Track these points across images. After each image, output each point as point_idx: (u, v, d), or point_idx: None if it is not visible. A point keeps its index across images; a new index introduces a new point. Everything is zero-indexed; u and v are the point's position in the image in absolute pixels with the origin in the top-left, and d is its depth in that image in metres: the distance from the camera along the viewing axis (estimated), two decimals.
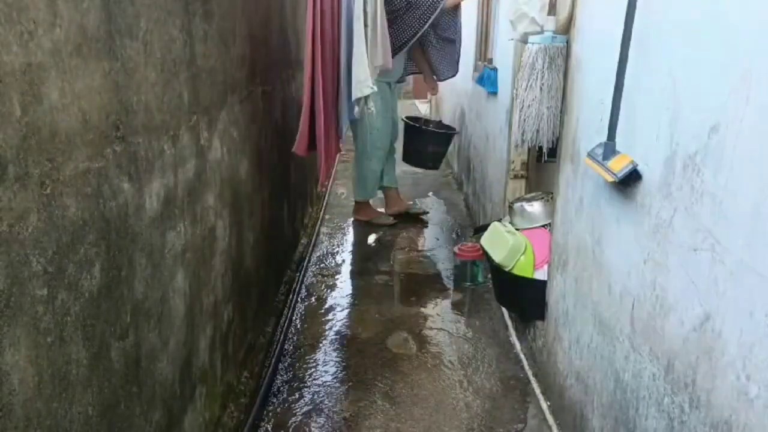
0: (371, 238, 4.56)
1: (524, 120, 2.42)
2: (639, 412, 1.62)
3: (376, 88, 3.11)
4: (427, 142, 5.01)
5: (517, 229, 2.81)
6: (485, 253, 2.93)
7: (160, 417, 1.60)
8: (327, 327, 3.16)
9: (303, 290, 3.55)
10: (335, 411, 2.48)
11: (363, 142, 4.64)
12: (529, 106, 2.38)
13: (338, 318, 3.26)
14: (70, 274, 1.14)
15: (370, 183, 4.74)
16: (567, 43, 2.28)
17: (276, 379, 2.68)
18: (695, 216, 1.35)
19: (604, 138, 1.77)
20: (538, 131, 2.40)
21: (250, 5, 2.59)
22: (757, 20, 1.16)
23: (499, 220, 3.05)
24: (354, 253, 4.21)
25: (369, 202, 4.86)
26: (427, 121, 5.38)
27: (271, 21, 3.10)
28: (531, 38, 2.34)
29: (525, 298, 2.77)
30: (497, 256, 2.77)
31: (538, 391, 2.55)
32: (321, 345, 2.98)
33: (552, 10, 2.27)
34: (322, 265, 3.94)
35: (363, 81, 2.83)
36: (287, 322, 3.11)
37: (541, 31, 2.30)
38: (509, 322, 3.14)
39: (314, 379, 2.69)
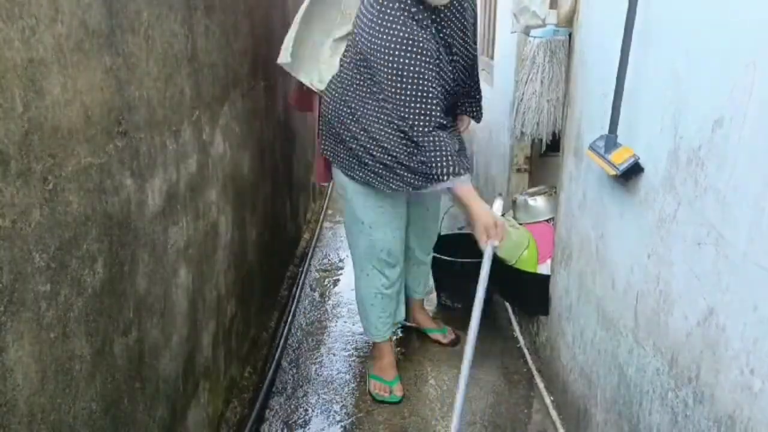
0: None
1: (524, 113, 2.42)
2: (643, 406, 1.62)
3: (290, 60, 2.35)
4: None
5: (520, 224, 2.81)
6: None
7: (163, 412, 1.61)
8: (330, 322, 3.16)
9: (306, 285, 3.55)
10: (338, 407, 2.48)
11: (351, 240, 2.56)
12: (529, 98, 2.39)
13: (341, 313, 3.26)
14: (73, 270, 1.14)
15: (367, 311, 2.61)
16: (569, 36, 2.27)
17: (279, 374, 2.69)
18: (699, 210, 1.34)
19: (607, 132, 1.76)
20: (538, 124, 2.40)
21: None
22: (761, 12, 1.15)
23: (502, 215, 3.05)
24: None
25: (380, 346, 2.65)
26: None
27: (273, 15, 3.09)
28: (533, 32, 2.34)
29: (528, 293, 2.76)
30: (500, 251, 2.76)
31: (541, 385, 2.55)
32: (324, 340, 2.98)
33: (554, 3, 2.26)
34: (325, 260, 3.94)
35: (284, 48, 2.37)
36: (290, 317, 3.11)
37: (543, 25, 2.29)
38: (512, 317, 3.14)
39: (317, 375, 2.69)
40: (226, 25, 2.18)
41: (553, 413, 2.36)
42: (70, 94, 1.12)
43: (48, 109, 1.05)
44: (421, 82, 2.03)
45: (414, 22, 2.02)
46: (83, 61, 1.16)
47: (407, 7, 2.02)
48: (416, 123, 2.05)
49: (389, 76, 2.04)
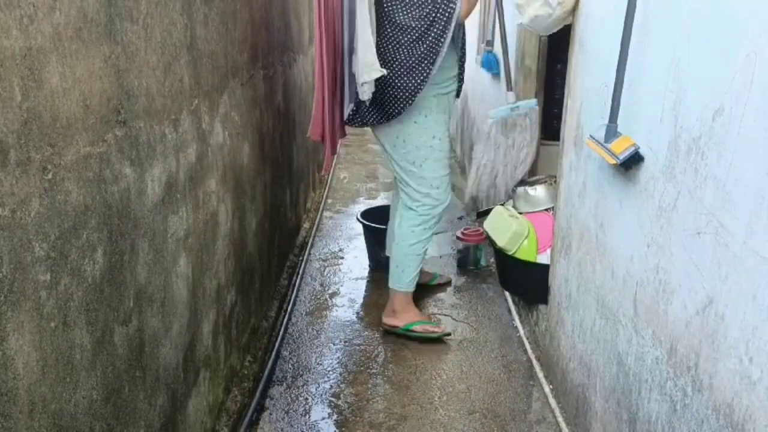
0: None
1: (479, 179, 2.96)
2: (641, 395, 1.62)
3: (385, 71, 2.59)
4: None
5: (520, 213, 2.81)
6: (488, 237, 2.93)
7: (164, 401, 1.61)
8: (330, 311, 3.17)
9: (306, 275, 3.56)
10: (338, 395, 2.49)
11: (408, 184, 2.86)
12: (484, 165, 2.91)
13: (341, 303, 3.27)
14: (73, 260, 1.14)
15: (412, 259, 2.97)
16: (571, 26, 2.27)
17: (279, 363, 2.70)
18: (699, 199, 1.34)
19: (607, 122, 1.76)
20: (495, 186, 2.95)
21: None
22: (762, 1, 1.14)
23: (502, 204, 3.05)
24: (356, 237, 4.21)
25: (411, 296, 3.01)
26: None
27: (273, 3, 3.07)
28: (490, 112, 2.89)
29: (528, 282, 2.77)
30: (500, 240, 2.76)
31: (540, 374, 2.56)
32: (324, 329, 2.99)
33: None
34: (325, 250, 3.94)
35: (371, 64, 2.74)
36: (290, 306, 3.12)
37: (552, 13, 2.27)
38: (512, 306, 3.15)
39: (317, 364, 2.70)
40: (225, 14, 2.17)
41: (553, 402, 2.37)
42: (69, 83, 1.11)
43: (47, 98, 1.04)
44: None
45: None
46: (82, 50, 1.16)
47: None
48: None
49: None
